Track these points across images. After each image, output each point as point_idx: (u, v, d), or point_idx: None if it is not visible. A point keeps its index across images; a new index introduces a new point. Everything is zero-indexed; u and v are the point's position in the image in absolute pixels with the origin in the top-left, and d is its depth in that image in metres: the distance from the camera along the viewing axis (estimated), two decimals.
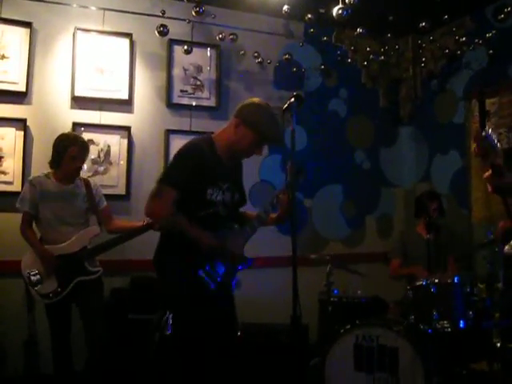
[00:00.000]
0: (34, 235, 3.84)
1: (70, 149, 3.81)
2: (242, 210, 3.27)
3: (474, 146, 4.68)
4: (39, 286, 3.71)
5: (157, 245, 3.04)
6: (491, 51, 4.99)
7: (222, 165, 3.01)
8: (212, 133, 3.13)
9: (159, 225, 3.13)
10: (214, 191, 2.95)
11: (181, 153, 2.95)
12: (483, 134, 2.81)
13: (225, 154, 3.03)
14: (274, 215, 3.21)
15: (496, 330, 3.70)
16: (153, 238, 3.12)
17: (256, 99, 3.07)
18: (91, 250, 3.83)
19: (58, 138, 3.90)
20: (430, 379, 3.54)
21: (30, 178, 3.94)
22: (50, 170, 3.91)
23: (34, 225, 3.88)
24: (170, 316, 2.94)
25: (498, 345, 3.63)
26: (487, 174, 2.90)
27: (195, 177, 2.86)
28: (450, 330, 3.67)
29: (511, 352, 3.64)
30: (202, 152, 2.92)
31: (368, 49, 5.60)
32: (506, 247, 3.60)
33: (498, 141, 2.88)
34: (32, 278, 3.72)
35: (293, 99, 2.79)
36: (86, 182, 3.98)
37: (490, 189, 2.96)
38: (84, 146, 3.91)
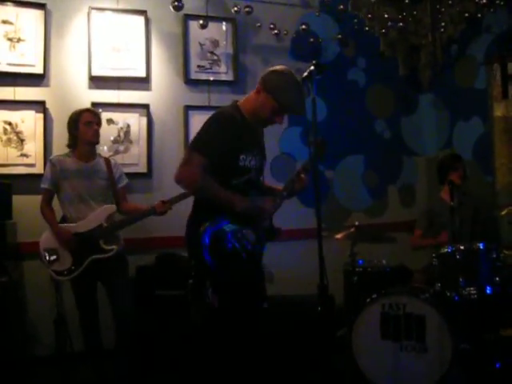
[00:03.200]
0: (52, 213, 3.87)
1: (81, 117, 3.85)
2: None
3: None
4: (56, 264, 3.76)
5: (188, 219, 3.00)
6: None
7: (251, 130, 3.01)
8: (237, 101, 3.10)
9: (190, 191, 3.05)
10: (247, 157, 2.94)
11: (212, 120, 2.93)
12: None
13: (251, 119, 3.02)
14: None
15: None
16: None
17: (281, 67, 3.01)
18: (107, 228, 3.82)
19: (68, 118, 3.94)
20: (458, 346, 3.54)
21: (51, 157, 4.00)
22: (69, 150, 3.94)
23: (57, 203, 3.91)
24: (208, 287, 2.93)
25: None
26: None
27: (228, 144, 2.85)
28: (476, 296, 3.65)
29: None
30: (233, 118, 2.92)
31: (385, 16, 5.47)
32: None
33: None
34: (48, 256, 3.76)
35: (312, 67, 2.75)
36: (107, 161, 4.00)
37: None
38: (95, 112, 3.97)
